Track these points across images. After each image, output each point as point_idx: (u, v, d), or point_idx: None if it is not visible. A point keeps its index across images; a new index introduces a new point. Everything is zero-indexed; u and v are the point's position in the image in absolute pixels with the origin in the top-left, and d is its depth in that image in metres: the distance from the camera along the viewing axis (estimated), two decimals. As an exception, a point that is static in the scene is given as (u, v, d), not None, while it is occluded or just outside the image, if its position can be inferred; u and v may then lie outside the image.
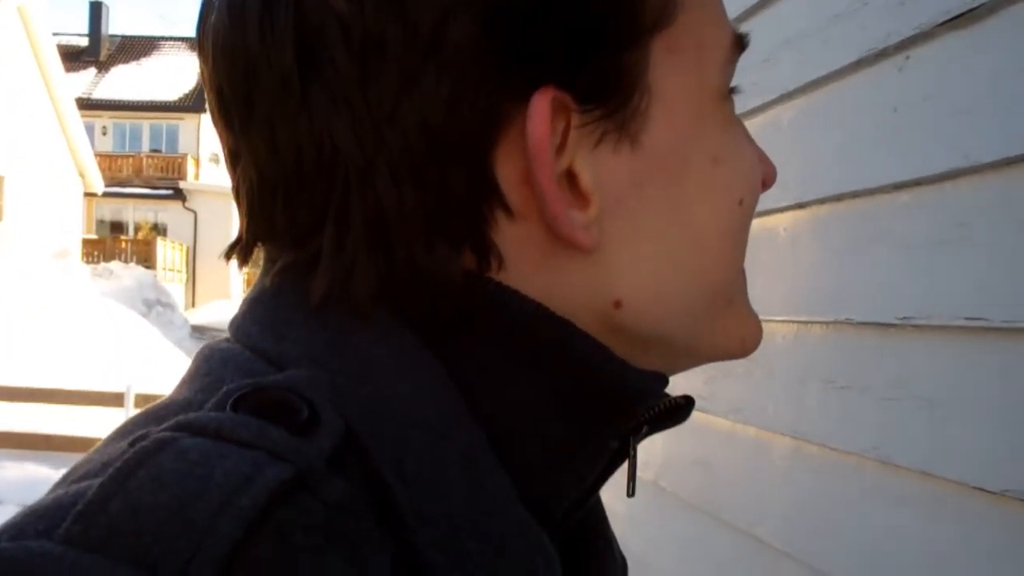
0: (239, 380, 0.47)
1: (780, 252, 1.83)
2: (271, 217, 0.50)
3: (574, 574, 0.59)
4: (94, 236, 30.48)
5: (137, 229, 33.20)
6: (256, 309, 0.53)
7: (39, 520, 0.40)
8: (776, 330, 1.81)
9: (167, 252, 29.94)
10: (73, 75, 31.59)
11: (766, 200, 1.85)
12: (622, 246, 0.51)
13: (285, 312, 0.51)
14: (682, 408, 0.57)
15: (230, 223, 32.13)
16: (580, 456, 0.53)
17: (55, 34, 22.30)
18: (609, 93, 0.49)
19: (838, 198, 1.64)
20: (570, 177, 0.49)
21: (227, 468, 0.40)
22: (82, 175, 24.08)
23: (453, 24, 0.46)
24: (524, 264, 0.50)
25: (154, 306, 21.79)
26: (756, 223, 1.74)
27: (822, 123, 1.71)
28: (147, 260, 28.29)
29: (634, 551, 2.57)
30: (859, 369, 1.56)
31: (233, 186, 0.54)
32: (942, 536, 1.37)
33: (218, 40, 0.50)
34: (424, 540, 0.45)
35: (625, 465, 0.59)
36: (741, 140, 0.56)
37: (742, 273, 0.58)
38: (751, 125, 1.88)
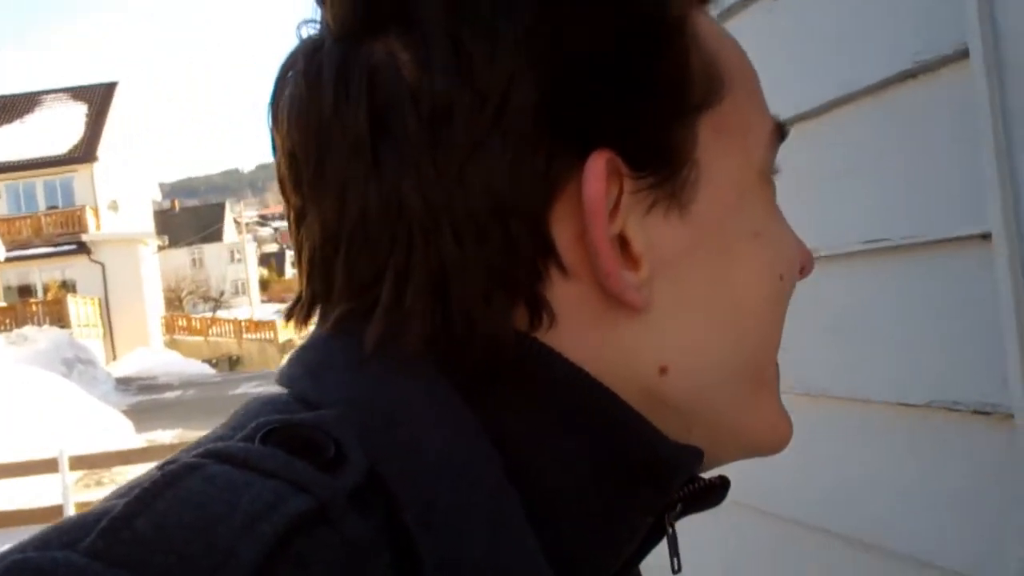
0: (272, 416, 0.48)
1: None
2: (331, 273, 0.52)
3: None
4: (2, 303, 29.83)
5: (46, 290, 32.48)
6: (304, 355, 0.54)
7: (64, 534, 0.41)
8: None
9: (80, 308, 29.38)
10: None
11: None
12: (669, 311, 0.53)
13: (330, 358, 0.52)
14: (717, 488, 0.58)
15: (138, 270, 31.66)
16: (613, 527, 0.53)
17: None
18: (661, 162, 0.51)
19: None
20: (622, 241, 0.51)
21: (252, 495, 0.42)
22: (-17, 243, 23.55)
23: (517, 89, 0.48)
24: (576, 323, 0.51)
25: (75, 365, 21.40)
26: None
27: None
28: (60, 319, 27.78)
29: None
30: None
31: (295, 248, 0.55)
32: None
33: (294, 108, 0.53)
34: None
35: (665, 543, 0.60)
36: (781, 220, 0.58)
37: (775, 361, 0.59)
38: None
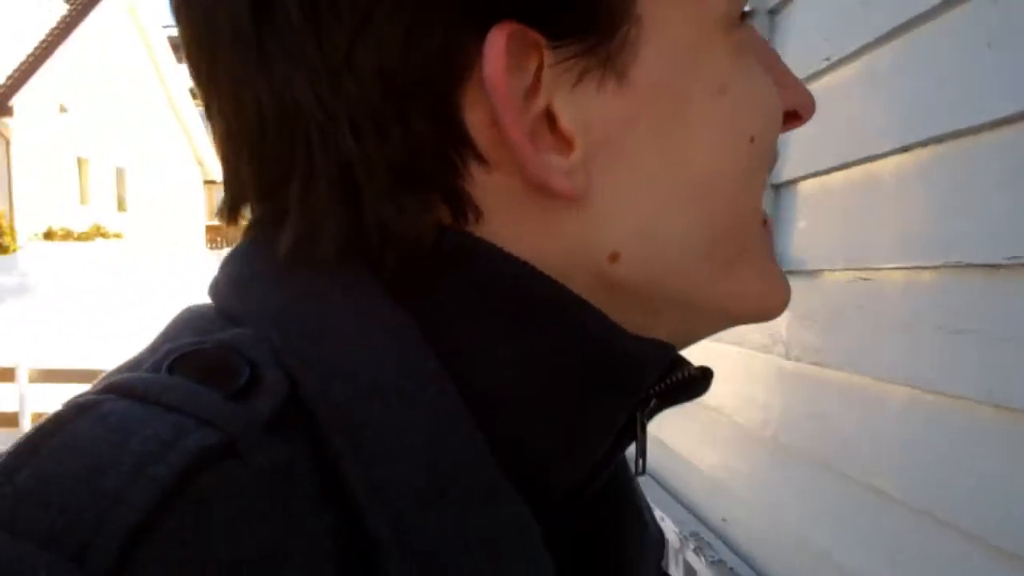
0: (186, 339, 0.45)
1: (886, 199, 1.79)
2: (240, 171, 0.49)
3: (601, 549, 0.57)
4: (216, 222, 31.13)
5: (256, 212, 33.86)
6: (228, 266, 0.51)
7: None
8: (886, 278, 1.78)
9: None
10: (185, 66, 32.18)
11: (869, 146, 1.82)
12: (615, 193, 0.47)
13: (252, 268, 0.49)
14: (698, 380, 0.54)
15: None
16: (579, 427, 0.49)
17: (164, 27, 22.84)
18: (587, 26, 0.45)
19: (939, 139, 1.60)
20: (550, 119, 0.46)
21: (146, 434, 0.38)
22: (200, 163, 24.71)
23: None
24: (506, 217, 0.47)
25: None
26: (860, 170, 1.72)
27: (918, 65, 1.67)
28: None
29: (757, 507, 2.56)
30: (970, 313, 1.53)
31: (215, 144, 0.51)
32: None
33: None
34: (372, 513, 0.41)
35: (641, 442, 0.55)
36: (754, 69, 0.51)
37: (760, 222, 0.53)
38: (852, 70, 1.86)
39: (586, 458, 0.51)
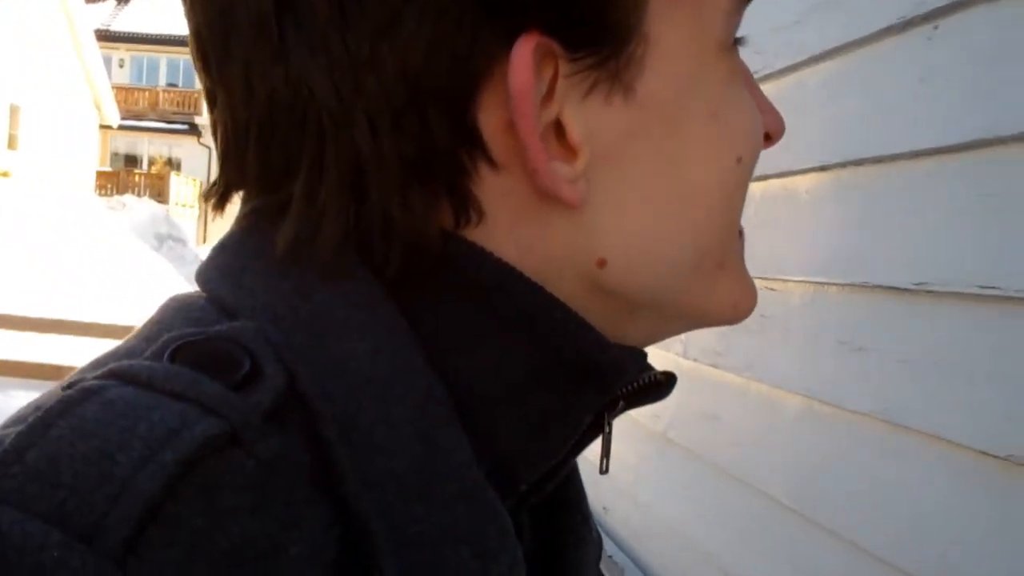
0: (184, 328, 0.45)
1: (800, 213, 1.85)
2: (243, 161, 0.49)
3: (548, 547, 0.59)
4: (108, 168, 30.45)
5: (151, 163, 33.14)
6: (220, 255, 0.50)
7: None
8: (793, 290, 1.83)
9: (180, 187, 29.87)
10: (93, 6, 31.39)
11: (788, 160, 1.87)
12: (610, 202, 0.49)
13: (247, 260, 0.49)
14: (662, 385, 0.55)
15: (244, 161, 31.96)
16: (549, 428, 0.51)
17: (75, -37, 22.18)
18: (602, 40, 0.46)
19: (859, 162, 1.66)
20: (558, 128, 0.47)
21: (154, 420, 0.39)
22: (98, 107, 24.01)
23: None
24: (505, 219, 0.48)
25: (166, 240, 21.80)
26: (777, 183, 1.77)
27: (848, 88, 1.72)
28: (160, 194, 28.22)
29: (642, 500, 2.61)
30: (873, 332, 1.59)
31: (212, 130, 0.52)
32: (947, 498, 1.40)
33: None
34: (365, 505, 0.43)
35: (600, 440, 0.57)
36: (743, 95, 0.53)
37: (737, 235, 0.55)
38: (778, 85, 1.90)
39: (551, 457, 0.53)
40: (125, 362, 0.42)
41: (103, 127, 24.78)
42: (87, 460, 0.37)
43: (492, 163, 0.47)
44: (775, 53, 1.92)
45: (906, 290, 1.49)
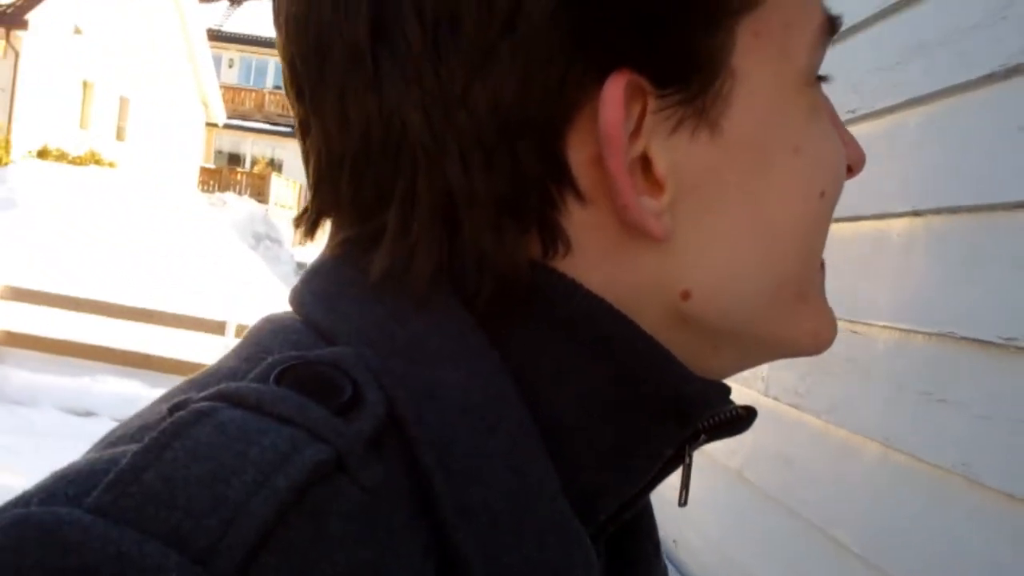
0: (286, 352, 0.46)
1: (891, 257, 1.81)
2: (336, 190, 0.49)
3: (620, 575, 0.59)
4: (211, 165, 31.11)
5: (253, 163, 33.80)
6: (314, 281, 0.51)
7: (70, 485, 0.38)
8: (878, 335, 1.80)
9: (280, 188, 30.40)
10: (207, 6, 32.12)
11: (881, 203, 1.83)
12: (694, 235, 0.49)
13: (342, 286, 0.50)
14: (743, 419, 0.55)
15: (343, 166, 32.41)
16: (632, 459, 0.51)
17: (193, -36, 22.74)
18: (690, 77, 0.47)
19: (954, 210, 1.62)
20: (644, 163, 0.47)
21: (265, 445, 0.39)
22: (205, 105, 24.59)
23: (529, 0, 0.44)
24: (592, 251, 0.48)
25: (263, 240, 22.15)
26: (869, 225, 1.74)
27: (946, 133, 1.69)
28: (260, 194, 28.73)
29: (711, 536, 2.58)
30: (957, 384, 1.55)
31: (303, 158, 0.52)
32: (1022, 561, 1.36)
33: (292, 10, 0.49)
34: (461, 533, 0.43)
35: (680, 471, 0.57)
36: (826, 129, 0.53)
37: (820, 268, 0.55)
38: (875, 126, 1.87)
39: (632, 488, 0.53)
40: (232, 384, 0.43)
41: (209, 125, 25.41)
42: (201, 483, 0.38)
43: (580, 196, 0.47)
44: (874, 93, 1.89)
45: (994, 344, 1.45)
